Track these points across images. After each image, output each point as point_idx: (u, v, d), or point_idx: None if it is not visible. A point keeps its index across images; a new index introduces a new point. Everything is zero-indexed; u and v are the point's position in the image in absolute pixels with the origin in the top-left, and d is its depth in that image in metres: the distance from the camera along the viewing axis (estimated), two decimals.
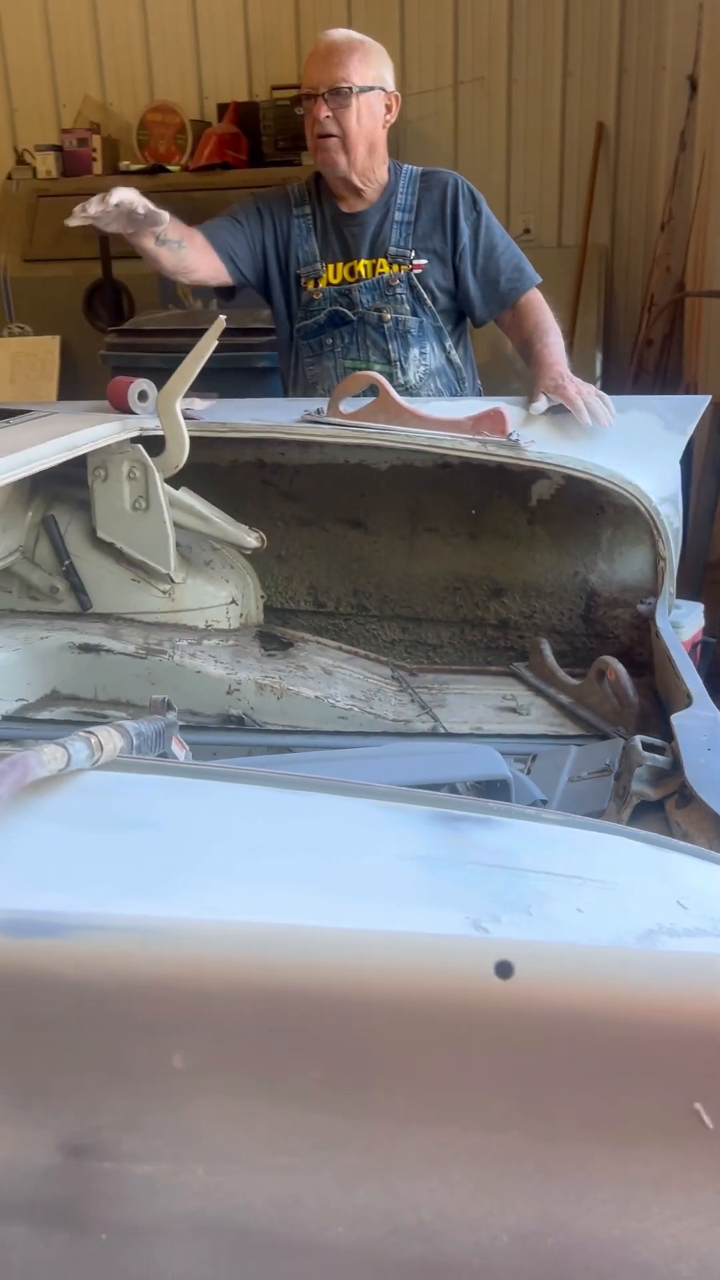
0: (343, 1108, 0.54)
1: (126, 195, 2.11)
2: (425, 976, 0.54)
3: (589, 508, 2.21)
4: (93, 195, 2.09)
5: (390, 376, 2.62)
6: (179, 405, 2.00)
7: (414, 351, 2.63)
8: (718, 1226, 0.50)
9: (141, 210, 2.14)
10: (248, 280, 2.61)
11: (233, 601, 2.21)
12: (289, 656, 2.15)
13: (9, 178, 5.45)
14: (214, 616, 2.18)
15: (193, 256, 2.45)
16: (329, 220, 2.63)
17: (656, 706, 1.93)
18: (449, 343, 2.68)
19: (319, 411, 2.15)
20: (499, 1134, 0.52)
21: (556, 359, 2.32)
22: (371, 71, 2.49)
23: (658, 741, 1.44)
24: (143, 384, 2.14)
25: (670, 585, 2.09)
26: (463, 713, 2.05)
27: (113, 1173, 0.53)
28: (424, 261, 2.58)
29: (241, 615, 2.24)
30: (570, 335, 5.30)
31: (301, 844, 0.66)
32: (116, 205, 2.08)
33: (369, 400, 2.13)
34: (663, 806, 1.37)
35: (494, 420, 2.02)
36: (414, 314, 2.60)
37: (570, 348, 2.48)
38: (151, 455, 2.06)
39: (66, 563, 2.11)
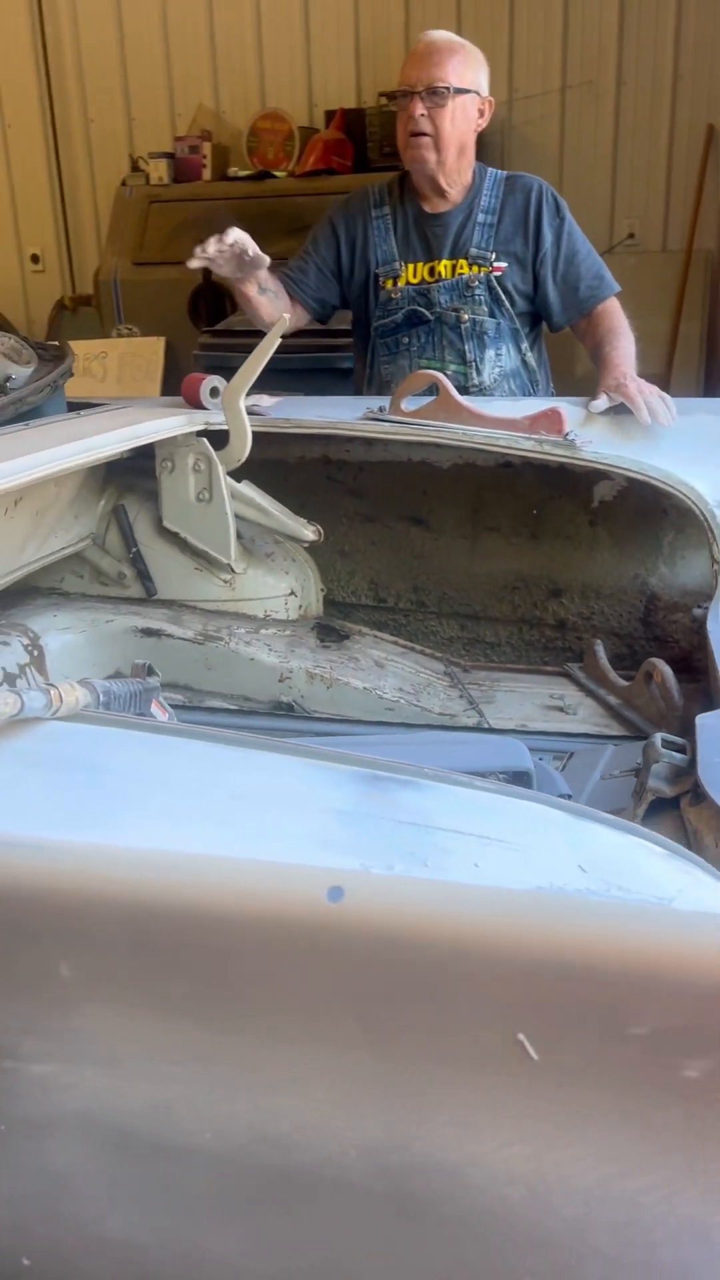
0: (212, 1022, 0.58)
1: (240, 235, 2.30)
2: (268, 899, 0.58)
3: (652, 510, 2.20)
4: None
5: (465, 377, 2.65)
6: (243, 401, 2.07)
7: (489, 353, 2.65)
8: (545, 1155, 0.52)
9: (250, 252, 2.33)
10: (333, 304, 2.72)
11: (292, 593, 2.27)
12: (343, 648, 2.19)
13: (123, 184, 5.64)
14: (273, 607, 2.24)
15: (283, 306, 2.62)
16: (411, 220, 2.67)
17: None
18: (524, 345, 2.69)
19: (381, 409, 2.20)
20: (350, 1054, 0.55)
21: (622, 360, 2.32)
22: (469, 74, 2.52)
23: (679, 740, 1.44)
24: (214, 380, 2.22)
25: None
26: (510, 710, 2.07)
27: (12, 1070, 0.59)
28: (504, 264, 2.60)
29: (301, 607, 2.30)
30: (673, 342, 5.25)
31: (229, 791, 0.70)
32: (231, 245, 2.28)
33: (430, 399, 2.17)
34: (679, 804, 1.38)
35: (551, 420, 2.03)
36: (491, 315, 2.63)
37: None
38: (217, 449, 2.13)
39: (134, 550, 2.20)
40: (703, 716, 1.48)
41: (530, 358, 2.72)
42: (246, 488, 2.16)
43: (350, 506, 2.41)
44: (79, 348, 5.87)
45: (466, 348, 2.64)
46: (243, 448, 2.09)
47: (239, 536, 2.23)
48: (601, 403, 2.16)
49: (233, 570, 2.18)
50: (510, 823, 0.67)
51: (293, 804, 0.68)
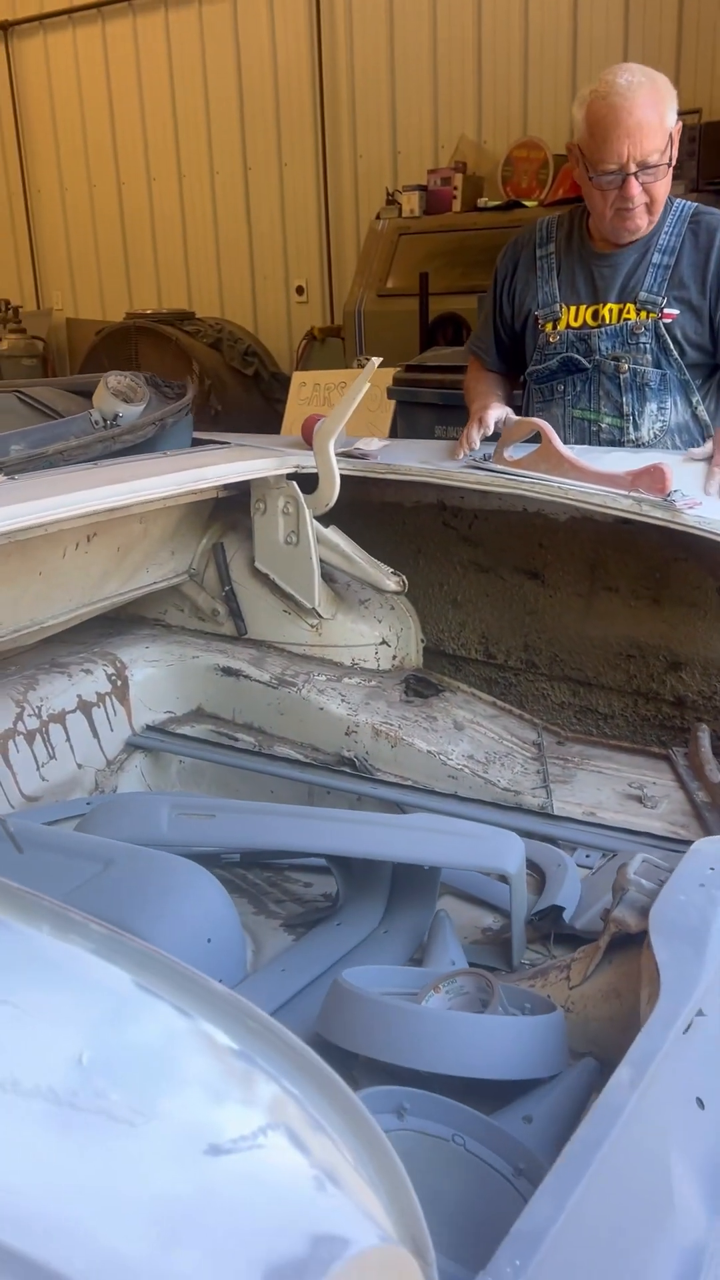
0: None
1: (501, 414, 2.24)
2: None
3: None
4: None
5: (620, 431, 2.43)
6: (333, 444, 2.02)
7: (651, 406, 2.40)
8: None
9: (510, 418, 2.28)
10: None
11: (383, 642, 2.19)
12: (426, 705, 2.09)
13: (377, 217, 5.74)
14: (362, 655, 2.17)
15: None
16: (578, 260, 2.47)
17: None
18: (695, 398, 2.42)
19: (485, 457, 2.08)
20: None
21: None
22: (670, 116, 2.26)
23: (665, 865, 1.23)
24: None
25: None
26: (584, 794, 1.87)
27: None
28: (675, 311, 2.34)
29: (395, 657, 2.21)
30: None
31: None
32: (498, 423, 2.22)
33: (535, 447, 2.02)
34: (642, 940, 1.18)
35: (653, 477, 1.83)
36: (656, 365, 2.37)
37: None
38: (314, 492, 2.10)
39: (227, 589, 2.21)
40: (704, 841, 1.26)
41: (702, 411, 2.44)
42: (333, 533, 2.10)
43: (465, 555, 2.29)
44: (321, 378, 6.04)
45: (624, 400, 2.40)
46: (330, 492, 2.04)
47: (332, 582, 2.18)
48: (701, 449, 1.93)
49: (319, 615, 2.13)
50: (59, 990, 0.57)
51: None
